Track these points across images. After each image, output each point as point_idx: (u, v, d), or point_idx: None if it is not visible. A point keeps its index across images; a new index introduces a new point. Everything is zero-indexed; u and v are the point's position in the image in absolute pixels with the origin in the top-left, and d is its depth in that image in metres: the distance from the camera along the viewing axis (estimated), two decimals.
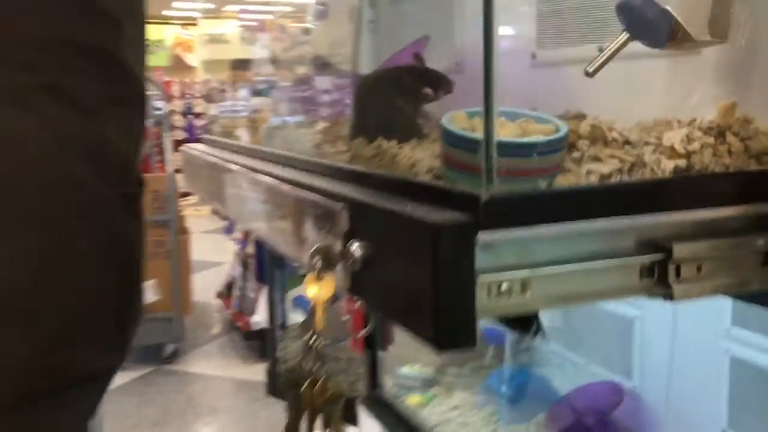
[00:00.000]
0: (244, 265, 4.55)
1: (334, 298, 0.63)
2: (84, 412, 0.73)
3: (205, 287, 5.42)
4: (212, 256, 6.64)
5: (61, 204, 0.66)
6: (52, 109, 0.65)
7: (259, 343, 4.31)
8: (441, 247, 0.49)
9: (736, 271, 0.59)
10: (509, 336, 1.51)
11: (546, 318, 1.47)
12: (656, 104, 0.83)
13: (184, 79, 11.29)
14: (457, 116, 0.59)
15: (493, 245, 0.52)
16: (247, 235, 4.45)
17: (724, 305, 1.17)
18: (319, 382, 0.62)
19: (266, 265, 2.43)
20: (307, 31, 1.95)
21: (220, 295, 5.05)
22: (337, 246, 0.64)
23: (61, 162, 0.66)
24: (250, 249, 4.37)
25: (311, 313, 0.62)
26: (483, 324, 0.56)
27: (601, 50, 0.90)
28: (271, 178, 0.83)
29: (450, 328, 0.50)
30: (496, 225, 0.51)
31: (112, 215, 0.70)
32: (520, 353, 1.64)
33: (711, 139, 0.58)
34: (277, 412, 3.55)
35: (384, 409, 1.56)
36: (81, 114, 0.67)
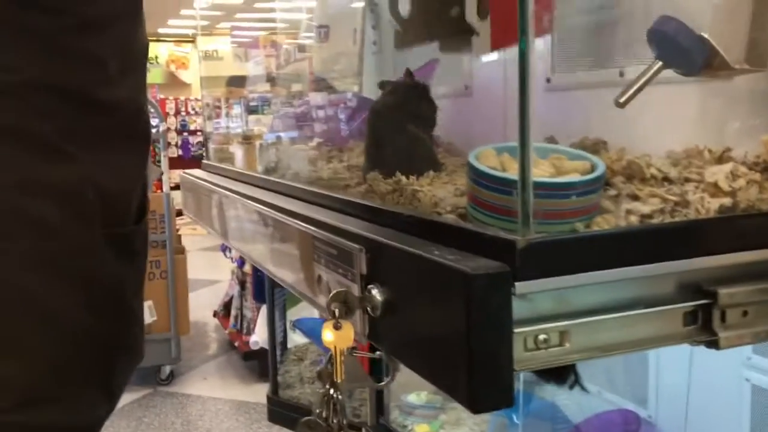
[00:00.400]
0: (242, 284, 4.50)
1: (353, 347, 0.59)
2: None
3: (201, 306, 5.36)
4: (209, 274, 6.58)
5: (17, 251, 0.62)
6: (9, 150, 0.62)
7: (258, 364, 4.25)
8: (476, 297, 0.46)
9: None
10: None
11: None
12: (680, 132, 0.80)
13: (179, 96, 11.27)
14: (484, 153, 0.55)
15: (530, 294, 0.48)
16: None
17: None
18: None
19: (266, 285, 2.38)
20: (302, 48, 1.92)
21: (217, 315, 4.99)
22: (355, 290, 0.60)
23: (23, 206, 0.62)
24: (248, 267, 4.32)
25: (330, 363, 0.58)
26: None
27: (622, 74, 0.87)
28: (281, 214, 0.79)
29: (486, 387, 0.47)
30: (534, 274, 0.48)
31: (90, 259, 0.66)
32: (531, 378, 1.60)
33: (757, 175, 0.54)
34: None
35: None
36: (48, 156, 0.64)
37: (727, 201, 0.53)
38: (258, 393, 3.98)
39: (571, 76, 0.94)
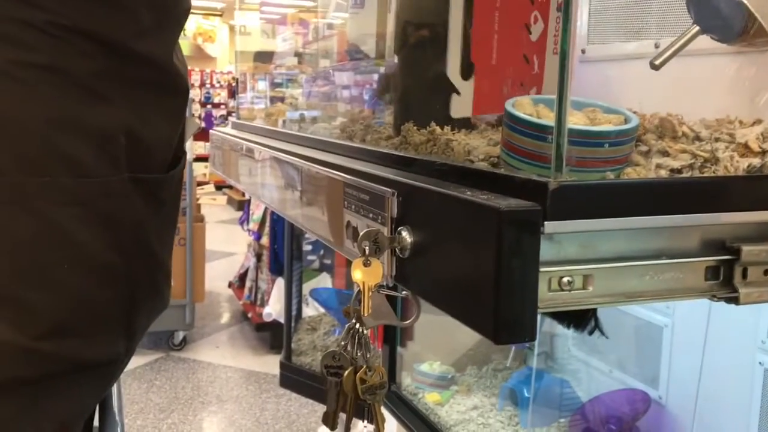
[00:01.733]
0: (258, 257, 4.55)
1: (380, 285, 0.61)
2: (83, 399, 0.71)
3: (217, 276, 5.42)
4: (225, 246, 6.65)
5: (53, 186, 0.63)
6: (46, 88, 0.64)
7: (270, 335, 4.30)
8: (507, 233, 0.47)
9: None
10: (537, 338, 1.49)
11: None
12: (714, 104, 0.81)
13: (204, 68, 11.32)
14: (521, 101, 0.56)
15: (558, 236, 0.50)
16: (261, 227, 4.45)
17: (760, 317, 1.15)
18: (362, 369, 0.60)
19: (285, 258, 2.41)
20: (330, 26, 1.93)
21: (231, 285, 5.05)
22: (385, 232, 0.62)
23: (60, 143, 0.64)
24: (265, 240, 4.37)
25: (357, 299, 0.60)
26: None
27: (657, 46, 0.88)
28: (312, 164, 0.81)
29: (510, 320, 0.48)
30: (563, 215, 0.49)
31: (118, 200, 0.68)
32: (539, 356, 1.61)
33: None
34: (285, 404, 3.54)
35: (402, 405, 1.54)
36: (83, 97, 0.65)
37: (756, 161, 0.54)
38: (268, 364, 4.03)
39: (606, 48, 0.95)
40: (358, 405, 0.64)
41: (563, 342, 1.62)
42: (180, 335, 4.27)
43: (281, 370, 2.14)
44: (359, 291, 0.59)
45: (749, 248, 0.53)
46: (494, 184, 0.54)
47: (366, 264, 0.59)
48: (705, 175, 0.54)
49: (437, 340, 1.69)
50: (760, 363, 1.15)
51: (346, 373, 0.60)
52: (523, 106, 0.56)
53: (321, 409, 0.64)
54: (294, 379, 2.10)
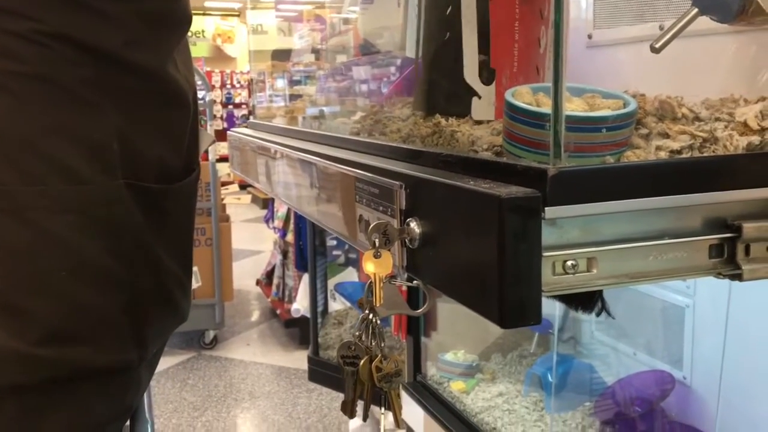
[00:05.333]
0: (284, 254, 4.58)
1: (392, 276, 0.62)
2: (94, 407, 0.71)
3: (244, 275, 5.48)
4: (251, 244, 6.70)
5: (47, 195, 0.64)
6: (37, 97, 0.64)
7: (299, 331, 4.34)
8: (508, 220, 0.48)
9: None
10: (556, 323, 1.50)
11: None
12: (719, 85, 0.81)
13: (225, 69, 11.40)
14: (520, 91, 0.58)
15: (559, 220, 0.51)
16: (286, 224, 4.48)
17: None
18: (377, 358, 0.61)
19: (309, 254, 2.44)
20: (347, 21, 1.95)
21: (259, 283, 5.09)
22: (395, 224, 0.63)
23: (53, 152, 0.64)
24: (290, 237, 4.40)
25: (369, 290, 0.62)
26: None
27: (662, 28, 0.88)
28: (324, 160, 0.83)
29: (515, 304, 0.49)
30: (563, 200, 0.50)
31: (115, 207, 0.68)
32: (566, 341, 1.62)
33: None
34: (316, 399, 3.58)
35: (427, 394, 1.56)
36: (73, 105, 0.66)
37: (755, 139, 0.55)
38: (298, 359, 4.07)
39: (613, 32, 0.96)
40: (375, 393, 0.65)
41: (587, 327, 1.62)
42: (211, 334, 4.32)
43: (309, 365, 2.17)
44: (371, 282, 0.61)
45: (750, 225, 0.54)
46: (497, 172, 0.55)
47: (376, 256, 0.60)
48: (704, 155, 0.55)
49: (461, 330, 1.71)
50: None
51: (362, 362, 0.61)
52: (522, 95, 0.57)
53: None
54: (322, 372, 2.13)
